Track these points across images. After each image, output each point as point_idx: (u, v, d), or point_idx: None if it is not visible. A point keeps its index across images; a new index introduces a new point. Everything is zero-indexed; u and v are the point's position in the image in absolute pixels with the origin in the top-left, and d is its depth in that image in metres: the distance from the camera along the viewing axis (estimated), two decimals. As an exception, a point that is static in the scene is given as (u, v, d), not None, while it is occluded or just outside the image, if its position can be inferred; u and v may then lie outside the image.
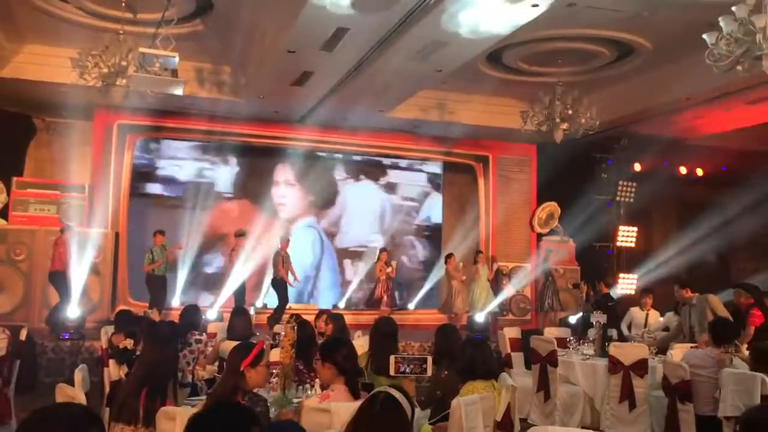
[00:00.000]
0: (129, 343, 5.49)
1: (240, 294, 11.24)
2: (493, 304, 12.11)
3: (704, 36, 5.58)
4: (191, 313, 6.35)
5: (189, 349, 5.71)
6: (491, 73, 10.72)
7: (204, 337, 6.06)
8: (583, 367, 7.19)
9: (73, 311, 9.84)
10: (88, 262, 10.58)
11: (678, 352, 6.93)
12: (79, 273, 10.24)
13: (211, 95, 10.96)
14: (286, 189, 13.67)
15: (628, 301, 11.21)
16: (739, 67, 5.48)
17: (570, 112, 9.63)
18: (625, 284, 13.09)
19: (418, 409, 3.52)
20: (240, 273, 11.19)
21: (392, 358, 4.08)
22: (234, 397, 3.54)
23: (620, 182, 13.81)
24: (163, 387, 3.83)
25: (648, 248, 13.95)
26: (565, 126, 9.66)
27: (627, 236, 13.88)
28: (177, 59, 7.60)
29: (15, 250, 10.91)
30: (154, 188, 12.98)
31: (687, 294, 8.00)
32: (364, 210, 14.19)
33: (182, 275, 11.99)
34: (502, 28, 7.63)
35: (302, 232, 13.67)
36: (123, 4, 8.31)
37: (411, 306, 13.55)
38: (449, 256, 12.09)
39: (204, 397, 4.50)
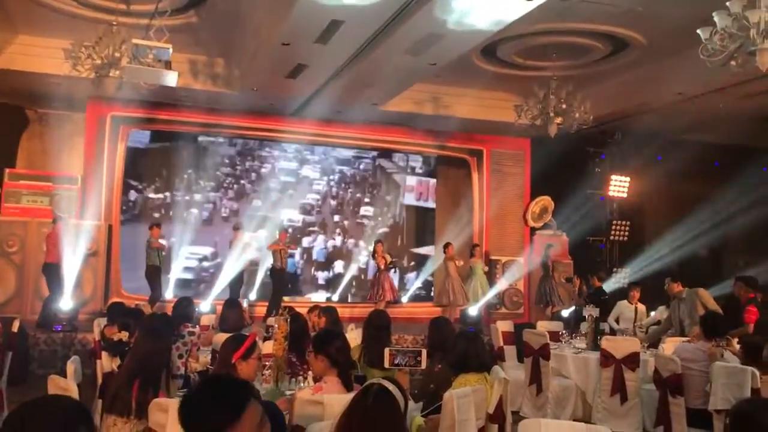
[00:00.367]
0: (124, 335, 5.46)
1: (236, 285, 11.28)
2: (489, 295, 12.22)
3: (698, 31, 5.60)
4: (184, 305, 6.35)
5: (182, 341, 5.70)
6: (486, 66, 10.71)
7: (197, 329, 6.06)
8: (575, 360, 7.23)
9: (66, 303, 9.80)
10: (81, 253, 10.53)
11: (670, 345, 6.96)
12: (72, 265, 10.19)
13: (205, 87, 10.92)
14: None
15: (621, 295, 11.27)
16: (733, 62, 5.51)
17: (564, 106, 9.65)
18: (618, 278, 13.14)
19: (411, 402, 3.52)
20: (236, 265, 11.22)
21: (387, 350, 4.07)
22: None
23: (614, 177, 13.87)
24: (155, 379, 3.82)
25: (641, 242, 14.01)
26: (559, 120, 9.68)
27: (620, 230, 13.92)
28: (170, 51, 7.58)
29: (8, 241, 10.87)
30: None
31: (677, 288, 8.03)
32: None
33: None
34: (496, 22, 7.62)
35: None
36: (116, -5, 8.29)
37: (404, 299, 13.57)
38: (448, 244, 12.10)
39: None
